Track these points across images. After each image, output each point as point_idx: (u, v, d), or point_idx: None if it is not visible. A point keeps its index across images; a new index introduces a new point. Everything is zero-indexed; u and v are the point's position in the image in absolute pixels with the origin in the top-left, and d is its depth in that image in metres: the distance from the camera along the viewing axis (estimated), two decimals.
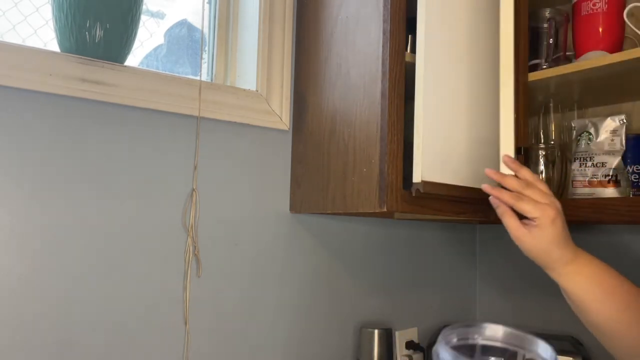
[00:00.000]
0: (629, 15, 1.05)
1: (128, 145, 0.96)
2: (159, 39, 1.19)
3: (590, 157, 1.10)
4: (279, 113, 1.16)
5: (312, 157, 1.12)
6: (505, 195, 0.81)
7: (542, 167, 1.19)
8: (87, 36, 0.92)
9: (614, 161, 1.07)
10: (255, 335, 1.11)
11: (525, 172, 0.83)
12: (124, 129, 0.96)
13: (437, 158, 0.96)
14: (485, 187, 0.84)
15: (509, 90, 0.84)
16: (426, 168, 0.94)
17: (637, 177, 1.10)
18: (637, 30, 1.05)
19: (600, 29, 1.08)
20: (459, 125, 1.00)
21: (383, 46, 0.97)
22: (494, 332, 0.66)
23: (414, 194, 0.93)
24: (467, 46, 1.04)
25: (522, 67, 1.13)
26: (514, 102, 1.12)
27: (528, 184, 0.81)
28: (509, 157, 0.86)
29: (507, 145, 0.87)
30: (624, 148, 1.08)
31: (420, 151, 0.93)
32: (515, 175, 0.84)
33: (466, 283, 1.54)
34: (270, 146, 1.15)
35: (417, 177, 0.92)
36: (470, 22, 1.04)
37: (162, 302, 0.99)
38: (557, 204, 0.80)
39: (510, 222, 0.80)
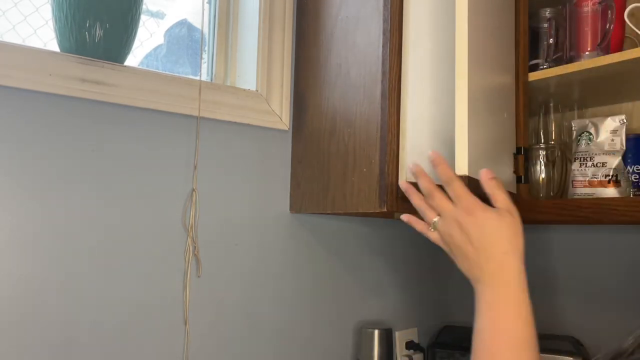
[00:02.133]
0: (629, 15, 1.05)
1: (128, 145, 0.96)
2: (159, 39, 1.19)
3: (590, 157, 1.10)
4: (279, 113, 1.16)
5: (312, 157, 1.12)
6: (415, 197, 0.84)
7: (542, 167, 1.19)
8: (87, 36, 0.92)
9: (614, 161, 1.07)
10: (255, 335, 1.11)
11: (445, 177, 0.79)
12: (124, 129, 0.96)
13: (424, 159, 0.97)
14: (402, 183, 0.87)
15: (463, 94, 0.86)
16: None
17: (638, 177, 1.10)
18: (637, 30, 1.05)
19: (600, 29, 1.08)
20: (449, 126, 1.01)
21: (383, 46, 0.97)
22: None
23: (399, 195, 0.94)
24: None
25: (522, 67, 1.13)
26: (516, 101, 1.13)
27: (446, 186, 0.79)
28: (435, 153, 0.82)
29: (462, 149, 0.87)
30: (624, 148, 1.08)
31: (405, 152, 0.94)
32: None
33: (466, 283, 1.54)
34: (270, 146, 1.15)
35: (402, 178, 0.95)
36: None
37: (162, 302, 0.99)
38: (458, 221, 0.76)
39: (410, 221, 0.84)
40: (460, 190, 0.77)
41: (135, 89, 0.96)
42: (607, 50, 1.05)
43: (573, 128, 1.17)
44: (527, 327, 0.70)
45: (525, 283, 0.72)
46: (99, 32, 0.92)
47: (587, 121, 1.14)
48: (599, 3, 1.07)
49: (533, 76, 1.13)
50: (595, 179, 1.08)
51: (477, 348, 0.72)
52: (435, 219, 0.80)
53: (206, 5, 1.19)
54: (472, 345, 0.73)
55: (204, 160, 1.05)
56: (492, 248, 0.72)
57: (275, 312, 1.15)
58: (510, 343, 0.69)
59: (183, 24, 1.23)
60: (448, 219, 0.77)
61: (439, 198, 0.79)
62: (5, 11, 0.98)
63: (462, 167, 0.86)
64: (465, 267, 0.77)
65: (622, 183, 1.06)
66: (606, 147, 1.09)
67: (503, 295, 0.72)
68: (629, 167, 1.10)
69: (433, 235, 0.80)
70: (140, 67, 1.11)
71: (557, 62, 1.16)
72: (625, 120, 1.09)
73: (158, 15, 1.21)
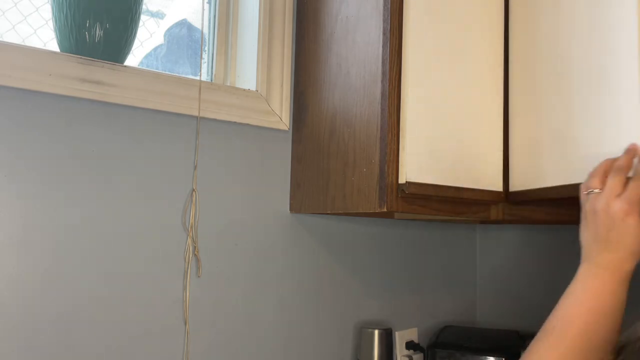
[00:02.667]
0: None
1: (128, 146, 0.96)
2: (159, 39, 1.19)
3: None
4: (279, 113, 1.16)
5: (312, 157, 1.12)
6: (602, 165, 0.83)
7: None
8: (87, 36, 0.92)
9: None
10: (255, 335, 1.11)
11: (622, 163, 0.81)
12: (124, 129, 0.96)
13: (424, 159, 0.97)
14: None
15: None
16: (412, 169, 0.95)
17: None
18: None
19: None
20: (448, 127, 1.01)
21: (383, 46, 0.97)
22: None
23: (399, 195, 0.94)
24: (458, 45, 1.04)
25: None
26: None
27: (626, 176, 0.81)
28: (636, 144, 0.84)
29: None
30: None
31: (405, 152, 0.94)
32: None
33: (466, 283, 1.54)
34: (270, 146, 1.15)
35: (402, 178, 0.94)
36: (462, 21, 1.04)
37: (162, 302, 0.99)
38: (610, 207, 0.78)
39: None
40: (635, 187, 0.79)
41: (135, 89, 0.96)
42: None
43: None
44: (607, 303, 0.75)
45: (627, 283, 0.77)
46: (99, 32, 0.92)
47: None
48: None
49: None
50: None
51: (557, 308, 0.80)
52: (596, 190, 0.81)
53: (206, 5, 1.19)
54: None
55: (204, 160, 1.05)
56: (626, 246, 0.77)
57: (275, 312, 1.15)
58: (584, 314, 0.76)
59: (183, 24, 1.23)
60: (605, 199, 0.79)
61: (615, 177, 0.80)
62: (5, 11, 0.98)
63: None
64: (585, 239, 0.81)
65: None
66: None
67: (602, 277, 0.77)
68: None
69: (583, 197, 0.82)
70: (140, 67, 1.11)
71: None
72: None
73: (158, 15, 1.21)
